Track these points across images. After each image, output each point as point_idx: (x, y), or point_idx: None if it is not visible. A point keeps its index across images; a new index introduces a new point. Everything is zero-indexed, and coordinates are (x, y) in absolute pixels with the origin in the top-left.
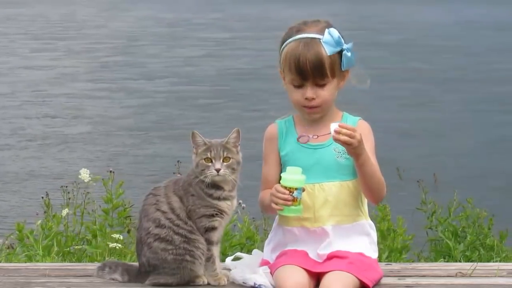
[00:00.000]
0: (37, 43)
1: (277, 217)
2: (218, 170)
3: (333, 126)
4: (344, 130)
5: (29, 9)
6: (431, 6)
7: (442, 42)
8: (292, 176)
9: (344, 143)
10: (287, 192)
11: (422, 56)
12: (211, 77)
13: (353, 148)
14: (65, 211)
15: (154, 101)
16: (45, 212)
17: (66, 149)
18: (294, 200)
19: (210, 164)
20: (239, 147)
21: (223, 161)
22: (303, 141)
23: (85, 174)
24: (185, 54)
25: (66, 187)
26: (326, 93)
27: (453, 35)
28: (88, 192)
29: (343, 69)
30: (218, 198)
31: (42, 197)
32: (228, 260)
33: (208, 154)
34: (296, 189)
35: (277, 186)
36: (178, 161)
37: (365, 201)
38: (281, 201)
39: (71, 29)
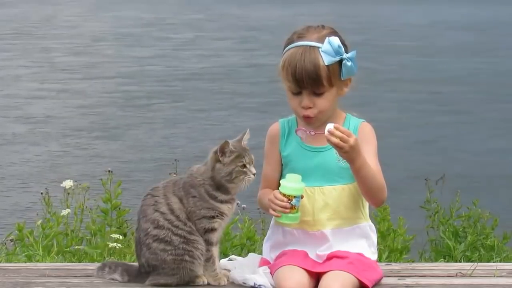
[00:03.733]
0: None
1: None
2: (254, 174)
3: (328, 126)
4: (337, 133)
5: (12, 9)
6: (416, 6)
7: (405, 42)
8: (291, 184)
9: (335, 146)
10: (286, 199)
11: (377, 56)
12: (159, 77)
13: (345, 153)
14: (66, 211)
15: (98, 101)
16: (46, 212)
17: (6, 149)
18: (292, 207)
19: (245, 169)
20: None
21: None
22: (301, 135)
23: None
24: (140, 55)
25: (66, 188)
26: (324, 102)
27: (421, 35)
28: (89, 187)
29: (342, 79)
30: (221, 201)
31: (42, 193)
32: (223, 261)
33: (243, 161)
34: (294, 197)
35: (276, 193)
36: (176, 160)
37: (366, 203)
38: (279, 208)
39: (43, 29)
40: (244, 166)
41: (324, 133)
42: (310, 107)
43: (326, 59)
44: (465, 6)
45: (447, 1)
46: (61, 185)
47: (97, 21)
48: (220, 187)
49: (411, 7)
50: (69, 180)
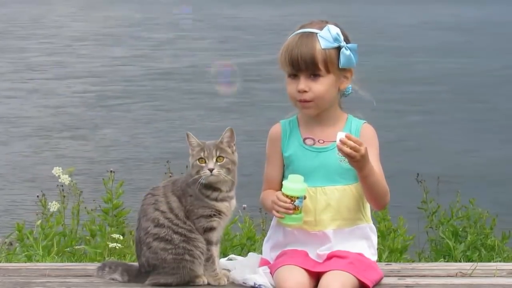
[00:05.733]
0: None
1: None
2: (211, 170)
3: (340, 135)
4: (349, 142)
5: (5, 9)
6: (410, 6)
7: (386, 43)
8: (294, 185)
9: (346, 155)
10: (289, 200)
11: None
12: (131, 77)
13: (355, 161)
14: (54, 204)
15: (68, 101)
16: (40, 213)
17: None
18: (295, 208)
19: (203, 164)
20: (234, 147)
21: (216, 160)
22: (309, 144)
23: (63, 176)
24: (116, 55)
25: (63, 189)
26: (320, 86)
27: (404, 35)
28: (81, 191)
29: (340, 67)
30: (216, 199)
31: (38, 196)
32: (223, 260)
33: (202, 155)
34: (297, 197)
35: (279, 194)
36: (167, 161)
37: (367, 203)
38: (282, 210)
39: (28, 29)
40: (203, 160)
41: (332, 141)
42: (306, 91)
43: (323, 43)
44: (458, 6)
45: (440, 1)
46: (59, 180)
47: (85, 21)
48: (207, 184)
49: (404, 7)
50: (66, 175)
